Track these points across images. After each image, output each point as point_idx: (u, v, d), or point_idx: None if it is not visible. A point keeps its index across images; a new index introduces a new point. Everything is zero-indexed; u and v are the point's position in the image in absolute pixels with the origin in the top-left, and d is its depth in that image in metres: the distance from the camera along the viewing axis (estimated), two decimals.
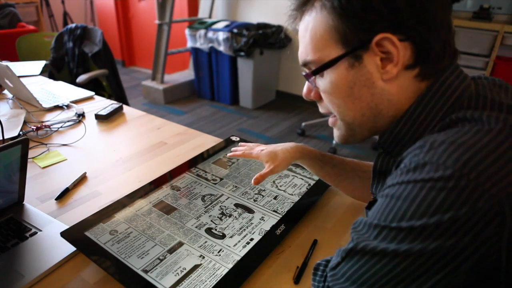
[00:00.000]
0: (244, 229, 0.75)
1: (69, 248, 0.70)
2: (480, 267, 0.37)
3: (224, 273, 0.64)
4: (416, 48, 0.46)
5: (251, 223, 0.77)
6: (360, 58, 0.47)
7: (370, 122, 0.52)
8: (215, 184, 0.90)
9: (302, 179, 0.92)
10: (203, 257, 0.68)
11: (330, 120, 0.57)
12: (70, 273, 0.67)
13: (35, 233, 0.74)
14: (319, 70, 0.51)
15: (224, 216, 0.79)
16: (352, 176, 0.77)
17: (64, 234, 0.71)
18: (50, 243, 0.72)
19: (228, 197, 0.85)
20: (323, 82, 0.52)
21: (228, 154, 0.84)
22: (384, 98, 0.49)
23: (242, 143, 0.89)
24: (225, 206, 0.82)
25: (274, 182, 0.91)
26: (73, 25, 2.35)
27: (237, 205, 0.82)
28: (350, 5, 0.45)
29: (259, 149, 0.79)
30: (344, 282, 0.45)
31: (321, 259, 0.55)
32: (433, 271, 0.38)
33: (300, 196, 0.85)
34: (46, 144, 1.11)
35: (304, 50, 0.52)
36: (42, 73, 1.81)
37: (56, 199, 0.86)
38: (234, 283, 0.63)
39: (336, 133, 0.57)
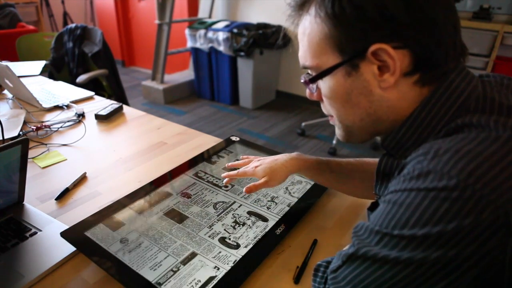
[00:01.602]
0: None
1: (69, 248, 0.70)
2: (482, 277, 0.36)
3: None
4: (415, 55, 0.44)
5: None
6: (356, 66, 0.46)
7: (369, 126, 0.51)
8: (226, 191, 0.88)
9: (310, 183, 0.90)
10: (218, 268, 0.65)
11: (331, 118, 0.56)
12: (70, 273, 0.67)
13: (35, 233, 0.74)
14: (316, 78, 0.50)
15: (237, 225, 0.76)
16: (352, 178, 0.76)
17: (64, 234, 0.71)
18: (50, 243, 0.72)
19: (241, 205, 0.83)
20: (323, 86, 0.51)
21: (224, 181, 0.80)
22: (383, 105, 0.48)
23: (234, 163, 0.84)
24: (238, 214, 0.79)
25: (287, 188, 0.88)
26: (73, 25, 2.35)
27: (250, 213, 0.80)
28: (343, 14, 0.44)
29: (253, 165, 0.76)
30: (345, 285, 0.45)
31: (322, 259, 0.55)
32: (434, 280, 0.37)
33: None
34: (46, 144, 1.11)
35: (303, 54, 0.52)
36: (42, 73, 1.81)
37: (56, 199, 0.86)
38: (234, 282, 0.63)
39: (337, 131, 0.57)
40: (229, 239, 0.72)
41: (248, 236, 0.73)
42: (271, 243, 0.72)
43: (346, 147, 2.74)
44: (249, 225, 0.76)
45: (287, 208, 0.81)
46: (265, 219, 0.78)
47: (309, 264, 0.68)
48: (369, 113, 0.49)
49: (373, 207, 0.57)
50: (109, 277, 0.64)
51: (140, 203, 0.82)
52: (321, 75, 0.49)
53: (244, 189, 0.72)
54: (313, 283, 0.54)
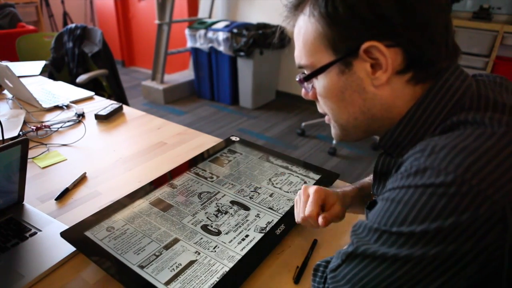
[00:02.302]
0: (240, 226, 0.76)
1: (69, 248, 0.70)
2: (481, 272, 0.37)
3: (219, 269, 0.65)
4: (407, 53, 0.45)
5: (247, 220, 0.78)
6: (350, 64, 0.47)
7: (364, 125, 0.52)
8: (212, 182, 0.91)
9: (298, 176, 0.93)
10: (199, 253, 0.69)
11: (326, 117, 0.57)
12: (70, 273, 0.67)
13: (35, 233, 0.74)
14: (310, 76, 0.51)
15: (220, 213, 0.80)
16: None
17: (64, 234, 0.71)
18: (50, 243, 0.72)
19: (225, 195, 0.86)
20: (317, 85, 0.52)
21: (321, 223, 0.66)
22: (376, 103, 0.49)
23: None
24: (221, 203, 0.83)
25: (270, 180, 0.92)
26: (73, 25, 2.35)
27: (233, 202, 0.83)
28: (336, 13, 0.45)
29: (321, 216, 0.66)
30: (344, 284, 0.45)
31: (321, 259, 0.55)
32: (433, 276, 0.37)
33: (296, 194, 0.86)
34: (46, 144, 1.11)
35: (299, 54, 0.53)
36: (42, 73, 1.81)
37: (56, 199, 0.86)
38: (234, 283, 0.63)
39: (332, 131, 0.57)
40: (211, 226, 0.76)
41: (230, 224, 0.76)
42: (271, 243, 0.72)
43: (346, 147, 2.74)
44: (231, 214, 0.80)
45: (270, 199, 0.84)
46: (247, 208, 0.81)
47: (309, 264, 0.68)
48: (363, 111, 0.50)
49: (371, 206, 0.57)
50: (109, 277, 0.64)
51: (139, 202, 0.82)
52: (315, 73, 0.50)
53: (320, 222, 0.64)
54: (313, 282, 0.54)
